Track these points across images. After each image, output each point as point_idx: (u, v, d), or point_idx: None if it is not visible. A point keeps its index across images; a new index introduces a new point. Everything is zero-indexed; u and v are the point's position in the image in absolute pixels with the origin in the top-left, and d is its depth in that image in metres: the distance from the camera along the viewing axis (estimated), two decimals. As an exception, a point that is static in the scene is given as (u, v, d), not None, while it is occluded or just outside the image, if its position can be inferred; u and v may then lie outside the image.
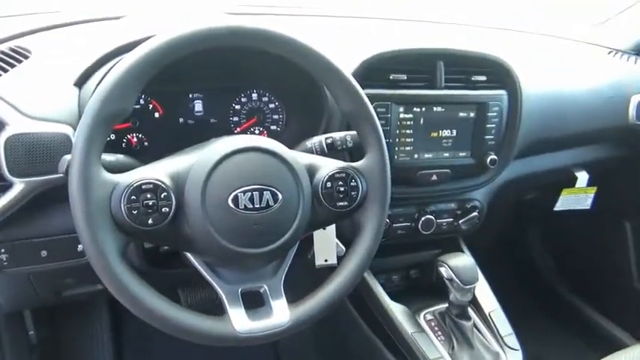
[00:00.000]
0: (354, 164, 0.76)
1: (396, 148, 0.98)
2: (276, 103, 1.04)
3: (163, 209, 0.64)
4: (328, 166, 0.74)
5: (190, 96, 0.98)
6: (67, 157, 0.62)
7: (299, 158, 0.73)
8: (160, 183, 0.64)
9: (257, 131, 1.04)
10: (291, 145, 0.79)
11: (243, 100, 1.02)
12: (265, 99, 1.03)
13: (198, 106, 0.99)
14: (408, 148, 1.00)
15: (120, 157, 0.74)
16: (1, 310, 1.03)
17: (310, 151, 0.83)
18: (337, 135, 0.84)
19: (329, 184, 0.73)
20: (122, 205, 0.62)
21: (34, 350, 1.15)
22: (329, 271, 0.79)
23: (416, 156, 1.00)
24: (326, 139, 0.83)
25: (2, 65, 0.76)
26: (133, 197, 0.62)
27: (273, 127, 1.05)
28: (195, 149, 0.70)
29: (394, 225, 1.05)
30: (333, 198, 0.73)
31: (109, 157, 0.72)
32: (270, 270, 0.75)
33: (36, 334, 1.14)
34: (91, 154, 0.60)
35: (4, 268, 0.80)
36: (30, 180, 0.73)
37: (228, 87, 1.01)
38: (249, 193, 0.66)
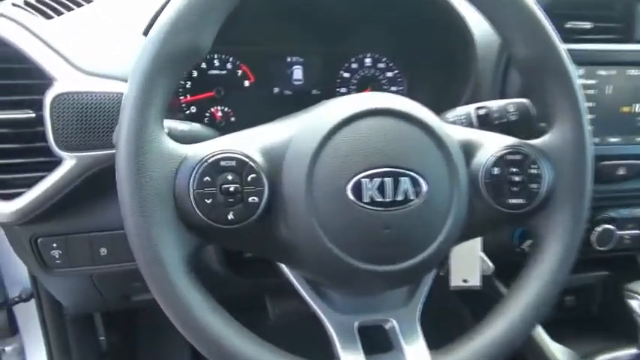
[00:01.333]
0: (534, 142, 0.50)
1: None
2: (396, 71, 0.81)
3: (251, 199, 0.42)
4: (494, 144, 0.49)
5: (288, 60, 0.78)
6: None
7: (449, 131, 0.48)
8: (246, 159, 0.42)
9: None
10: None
11: (353, 66, 0.79)
12: (382, 65, 0.80)
13: (298, 73, 0.78)
14: (586, 129, 0.71)
15: (196, 126, 0.54)
16: (67, 313, 0.90)
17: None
18: (494, 104, 0.58)
19: (496, 171, 0.48)
20: (190, 190, 0.41)
21: (104, 357, 1.01)
22: (461, 297, 0.54)
23: (597, 140, 0.71)
24: (477, 109, 0.58)
25: (56, 7, 0.59)
26: (207, 179, 0.41)
27: (390, 102, 0.81)
28: (297, 115, 0.48)
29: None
30: (501, 192, 0.48)
31: (181, 126, 0.52)
32: (402, 296, 0.51)
33: (107, 340, 1.00)
34: (148, 109, 0.40)
35: (58, 267, 0.64)
36: (83, 155, 0.55)
37: (336, 50, 0.79)
38: (379, 180, 0.43)
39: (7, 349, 1.01)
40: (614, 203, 0.77)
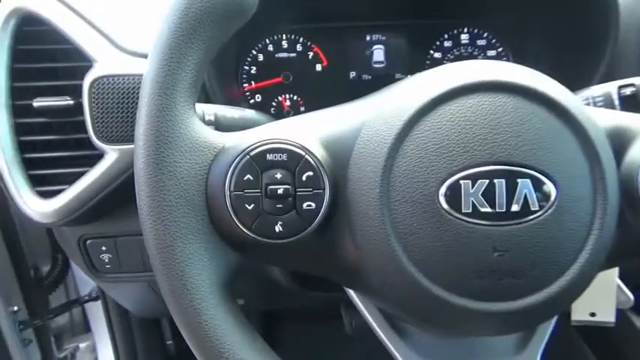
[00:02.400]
0: None
1: None
2: (500, 49, 0.66)
3: (306, 205, 0.31)
4: None
5: (368, 39, 0.66)
6: None
7: (592, 114, 0.34)
8: (302, 152, 0.32)
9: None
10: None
11: (446, 44, 0.66)
12: (482, 42, 0.66)
13: (379, 54, 0.67)
14: None
15: (250, 113, 0.45)
16: (133, 315, 0.86)
17: None
18: None
19: None
20: (226, 192, 0.31)
21: (172, 361, 0.96)
22: (579, 330, 0.39)
23: None
24: (621, 87, 0.43)
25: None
26: (249, 177, 0.31)
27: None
28: (374, 95, 0.36)
29: None
30: None
31: (230, 112, 0.43)
32: (514, 339, 0.38)
33: (175, 344, 0.95)
34: (174, 87, 0.31)
35: (108, 272, 0.57)
36: (126, 148, 0.48)
37: (425, 25, 0.67)
38: (485, 182, 0.30)
39: (82, 345, 1.00)
40: None
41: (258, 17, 0.63)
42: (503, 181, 0.30)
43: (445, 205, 0.30)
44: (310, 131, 0.33)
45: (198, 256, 0.31)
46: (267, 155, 0.31)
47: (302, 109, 0.67)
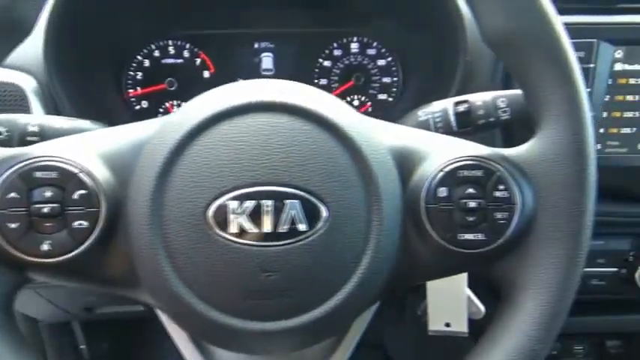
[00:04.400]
0: (510, 152, 0.35)
1: (602, 131, 0.52)
2: (389, 59, 0.66)
3: (77, 224, 0.31)
4: (444, 153, 0.34)
5: (256, 46, 0.66)
6: None
7: (379, 134, 0.34)
8: (75, 170, 0.31)
9: (357, 101, 0.67)
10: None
11: (336, 53, 0.66)
12: (372, 51, 0.66)
13: (267, 61, 0.67)
14: (625, 132, 0.53)
15: (83, 124, 0.44)
16: (41, 322, 0.85)
17: (425, 126, 0.44)
18: (479, 97, 0.43)
19: (443, 192, 0.33)
20: None
21: (86, 365, 0.95)
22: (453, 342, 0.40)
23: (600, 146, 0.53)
24: (457, 104, 0.43)
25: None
26: (14, 195, 0.31)
27: (382, 97, 0.67)
28: (159, 117, 0.36)
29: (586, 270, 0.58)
30: (451, 223, 0.33)
31: (59, 122, 0.42)
32: (320, 349, 0.38)
33: (89, 349, 0.94)
34: None
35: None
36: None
37: (315, 33, 0.66)
38: (252, 202, 0.30)
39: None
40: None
41: (144, 21, 0.62)
42: (270, 202, 0.30)
43: (213, 226, 0.30)
44: (90, 149, 0.33)
45: None
46: (35, 173, 0.31)
47: (190, 115, 0.66)
